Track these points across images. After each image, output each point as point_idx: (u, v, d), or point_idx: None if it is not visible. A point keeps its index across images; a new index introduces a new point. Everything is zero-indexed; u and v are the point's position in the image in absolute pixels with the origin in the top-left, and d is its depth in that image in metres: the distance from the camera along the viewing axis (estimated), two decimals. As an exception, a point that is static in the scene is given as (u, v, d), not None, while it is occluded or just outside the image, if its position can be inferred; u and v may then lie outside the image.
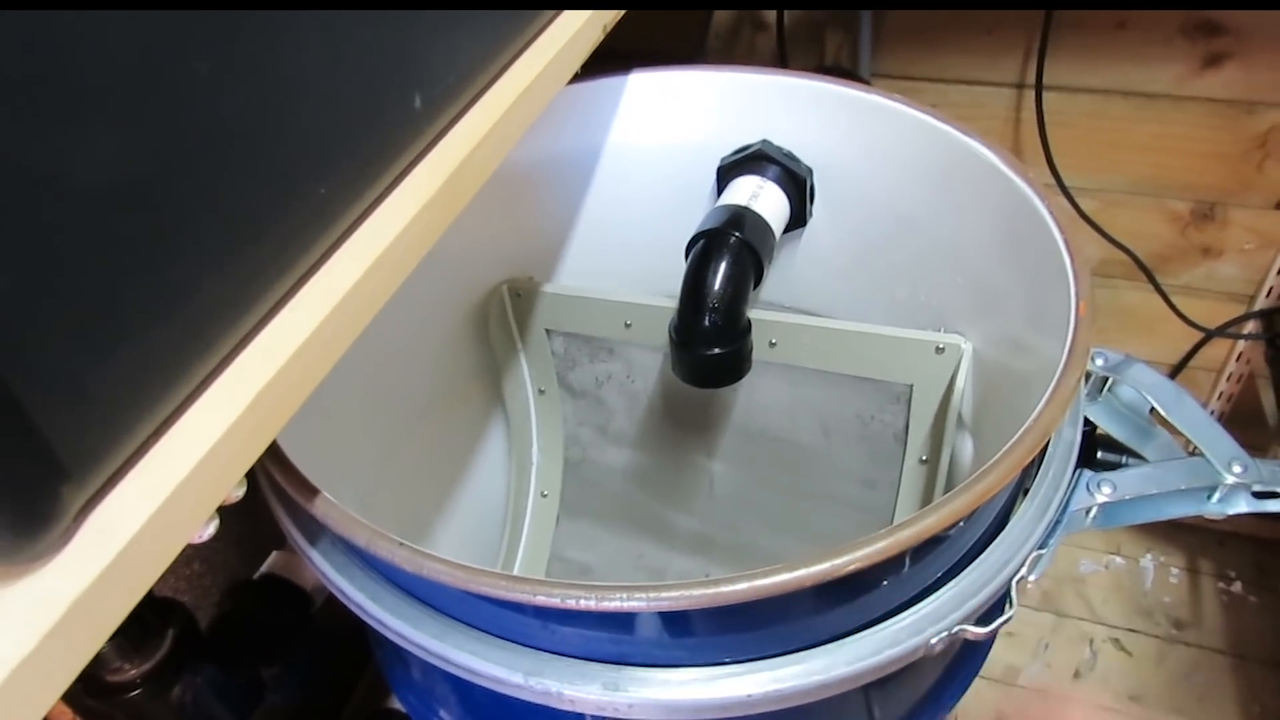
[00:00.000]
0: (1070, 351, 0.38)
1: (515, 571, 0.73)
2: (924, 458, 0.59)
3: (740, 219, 0.55)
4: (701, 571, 0.71)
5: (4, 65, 0.18)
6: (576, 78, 0.59)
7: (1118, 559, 0.98)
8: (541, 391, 0.70)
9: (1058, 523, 0.39)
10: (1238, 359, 0.88)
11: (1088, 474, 0.41)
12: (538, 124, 0.59)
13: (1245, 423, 0.90)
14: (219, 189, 0.24)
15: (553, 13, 0.43)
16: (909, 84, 0.81)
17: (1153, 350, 0.91)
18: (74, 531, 0.23)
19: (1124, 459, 0.45)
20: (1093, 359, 0.45)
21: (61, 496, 0.22)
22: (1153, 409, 0.45)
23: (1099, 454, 0.47)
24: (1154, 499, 0.41)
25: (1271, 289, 0.82)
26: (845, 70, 0.76)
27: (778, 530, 0.69)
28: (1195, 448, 0.42)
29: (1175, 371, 0.90)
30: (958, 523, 0.32)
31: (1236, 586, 0.94)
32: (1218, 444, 0.41)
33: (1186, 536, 0.98)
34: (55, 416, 0.21)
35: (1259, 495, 0.41)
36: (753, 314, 0.58)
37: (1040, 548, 0.38)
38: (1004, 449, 0.33)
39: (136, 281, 0.22)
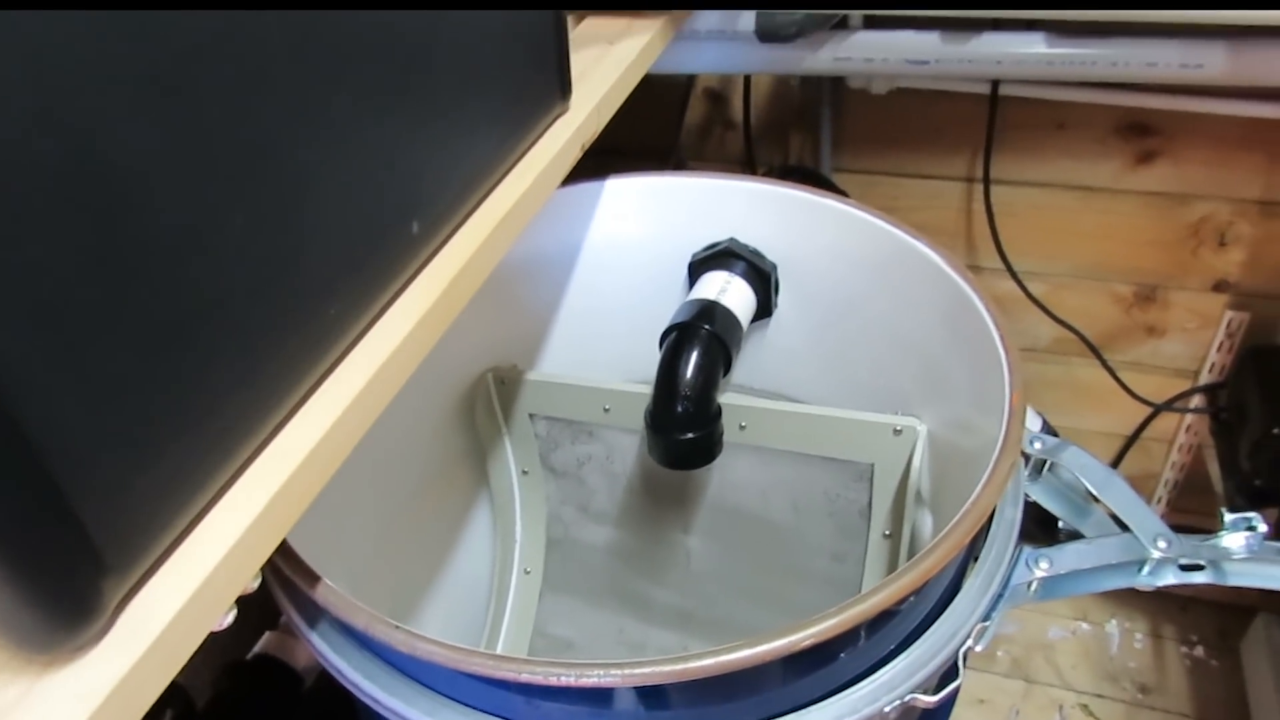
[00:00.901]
0: (1004, 441, 0.42)
1: (499, 647, 0.75)
2: (887, 532, 0.63)
3: (710, 312, 0.59)
4: (681, 645, 0.74)
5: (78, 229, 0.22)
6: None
7: (1084, 625, 1.01)
8: (525, 472, 0.73)
9: (1000, 596, 0.42)
10: (1186, 431, 0.92)
11: (1027, 550, 0.44)
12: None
13: (1196, 490, 0.95)
14: (246, 323, 0.28)
15: (536, 135, 0.48)
16: (869, 178, 0.86)
17: (1108, 423, 0.95)
18: (111, 624, 0.26)
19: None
20: (1031, 443, 0.49)
21: (103, 592, 0.26)
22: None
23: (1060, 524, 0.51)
24: (1089, 573, 0.45)
25: (1213, 365, 0.87)
26: (807, 169, 0.82)
27: (754, 603, 0.71)
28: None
29: (1129, 443, 0.95)
30: (900, 601, 0.36)
31: (1199, 651, 0.97)
32: (1144, 521, 0.44)
33: (1150, 602, 1.02)
34: (103, 519, 0.25)
35: (1184, 568, 0.45)
36: (723, 399, 0.62)
37: (984, 620, 0.41)
38: (940, 535, 0.37)
39: (175, 403, 0.26)
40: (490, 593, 0.76)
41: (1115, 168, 0.80)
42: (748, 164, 0.85)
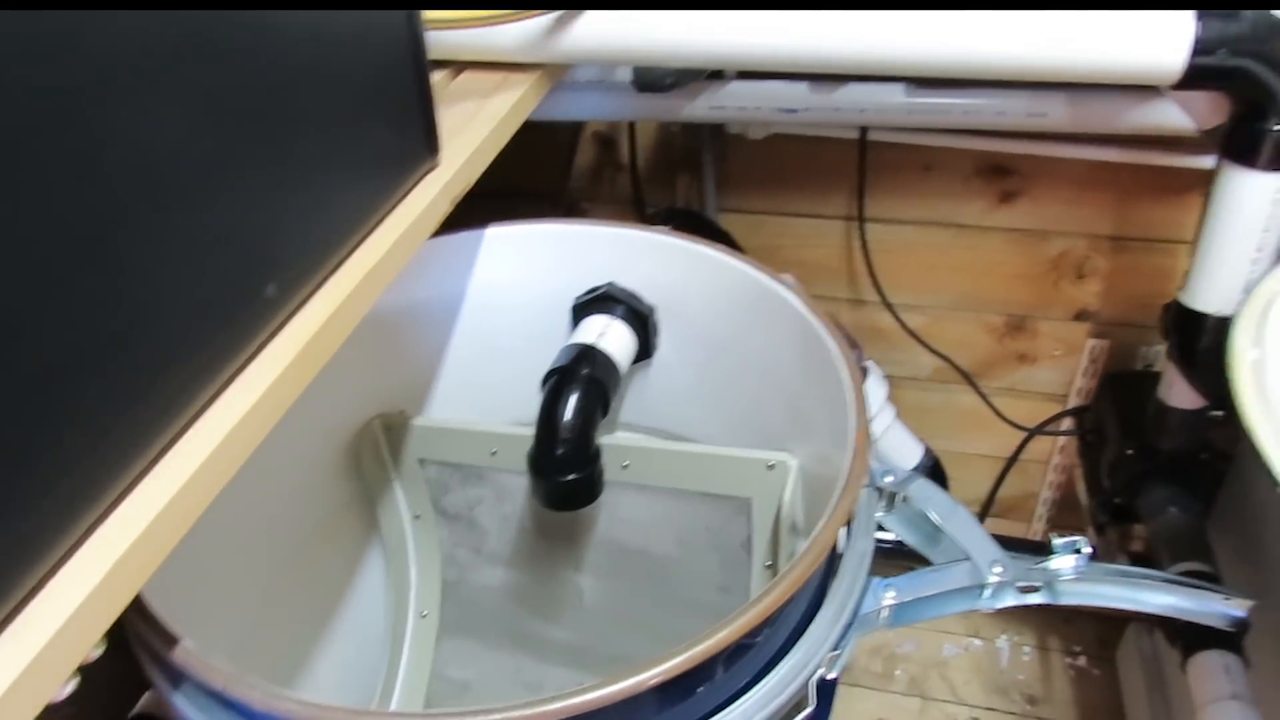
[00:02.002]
0: (845, 480, 0.44)
1: (397, 692, 0.75)
2: (768, 563, 0.65)
3: (588, 356, 0.61)
4: (577, 682, 0.74)
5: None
6: (442, 230, 0.66)
7: (976, 641, 1.05)
8: (417, 517, 0.73)
9: (850, 625, 0.45)
10: (1060, 452, 0.98)
11: (876, 580, 0.47)
12: (404, 275, 0.65)
13: (1074, 508, 1.00)
14: (84, 391, 0.29)
15: (403, 191, 0.49)
16: (755, 218, 0.90)
17: (989, 446, 1.00)
18: (-59, 699, 0.26)
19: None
20: (883, 477, 0.51)
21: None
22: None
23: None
24: (935, 598, 0.48)
25: (1080, 390, 0.93)
26: (690, 212, 0.85)
27: (647, 637, 0.73)
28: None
29: (1008, 465, 1.00)
30: (740, 640, 0.38)
31: (1082, 660, 1.02)
32: (982, 549, 0.47)
33: (1037, 616, 1.06)
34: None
35: (1023, 590, 0.48)
36: (606, 440, 0.63)
37: (835, 649, 0.44)
38: (781, 573, 0.39)
39: (8, 475, 0.26)
40: (387, 638, 0.76)
41: (980, 207, 0.85)
42: (637, 205, 0.88)
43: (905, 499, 0.52)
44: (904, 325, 0.87)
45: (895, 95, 0.71)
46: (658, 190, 0.90)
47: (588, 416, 0.60)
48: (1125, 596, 0.49)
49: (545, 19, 0.59)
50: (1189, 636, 0.64)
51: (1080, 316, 0.89)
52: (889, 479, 0.51)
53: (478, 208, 0.66)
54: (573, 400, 0.59)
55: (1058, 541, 0.48)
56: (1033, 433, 0.94)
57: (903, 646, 1.05)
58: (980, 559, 0.47)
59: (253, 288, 0.37)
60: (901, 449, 0.88)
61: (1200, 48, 0.52)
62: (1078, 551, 0.47)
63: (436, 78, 0.63)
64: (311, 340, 0.39)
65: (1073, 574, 0.47)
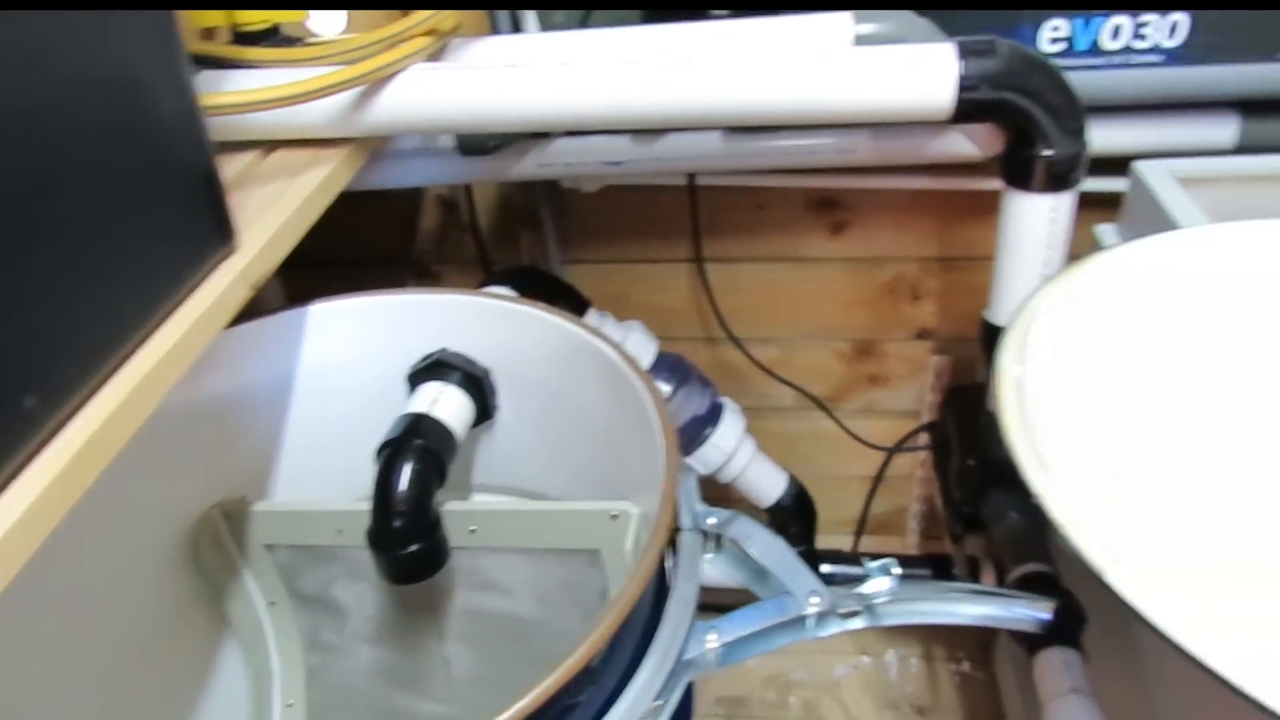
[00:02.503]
0: (654, 529, 0.45)
1: (267, 789, 0.72)
2: (626, 612, 0.65)
3: (420, 425, 0.61)
4: (453, 754, 0.73)
5: None
6: (281, 307, 0.65)
7: (865, 659, 1.07)
8: (272, 603, 0.71)
9: (674, 672, 0.45)
10: (921, 467, 1.01)
11: (699, 624, 0.48)
12: (234, 359, 0.64)
13: (940, 520, 1.03)
14: None
15: (194, 282, 0.48)
16: (602, 267, 0.91)
17: (856, 468, 1.03)
18: None
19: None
20: (705, 519, 0.53)
21: None
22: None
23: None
24: (761, 634, 0.48)
25: (930, 405, 0.96)
26: (529, 268, 0.86)
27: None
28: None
29: (875, 484, 1.03)
30: (548, 704, 0.38)
31: (965, 666, 1.05)
32: (799, 581, 0.49)
33: (921, 628, 1.09)
34: None
35: (844, 616, 0.50)
36: (450, 506, 0.63)
37: (659, 699, 0.44)
38: (581, 638, 0.39)
39: None
40: (253, 732, 0.73)
41: (814, 239, 0.88)
42: (484, 265, 0.88)
43: (731, 539, 0.53)
44: (753, 360, 0.89)
45: (713, 142, 0.73)
46: (504, 248, 0.90)
47: (423, 486, 0.59)
48: (939, 611, 0.50)
49: (347, 95, 0.59)
50: (1032, 636, 0.67)
51: (921, 335, 0.93)
52: (711, 520, 0.53)
53: (331, 278, 0.66)
54: (406, 471, 0.59)
55: (870, 565, 0.50)
56: (892, 451, 0.97)
57: (796, 673, 1.06)
58: (798, 591, 0.49)
59: (6, 401, 0.36)
60: (765, 481, 0.90)
61: (965, 84, 0.55)
62: (889, 573, 0.49)
63: (246, 159, 0.63)
64: (83, 450, 0.38)
65: (887, 596, 0.49)
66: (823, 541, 0.98)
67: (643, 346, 0.83)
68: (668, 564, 0.52)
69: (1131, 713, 0.62)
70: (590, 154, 0.74)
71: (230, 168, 0.61)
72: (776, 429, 0.99)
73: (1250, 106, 0.69)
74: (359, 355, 0.67)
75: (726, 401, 0.89)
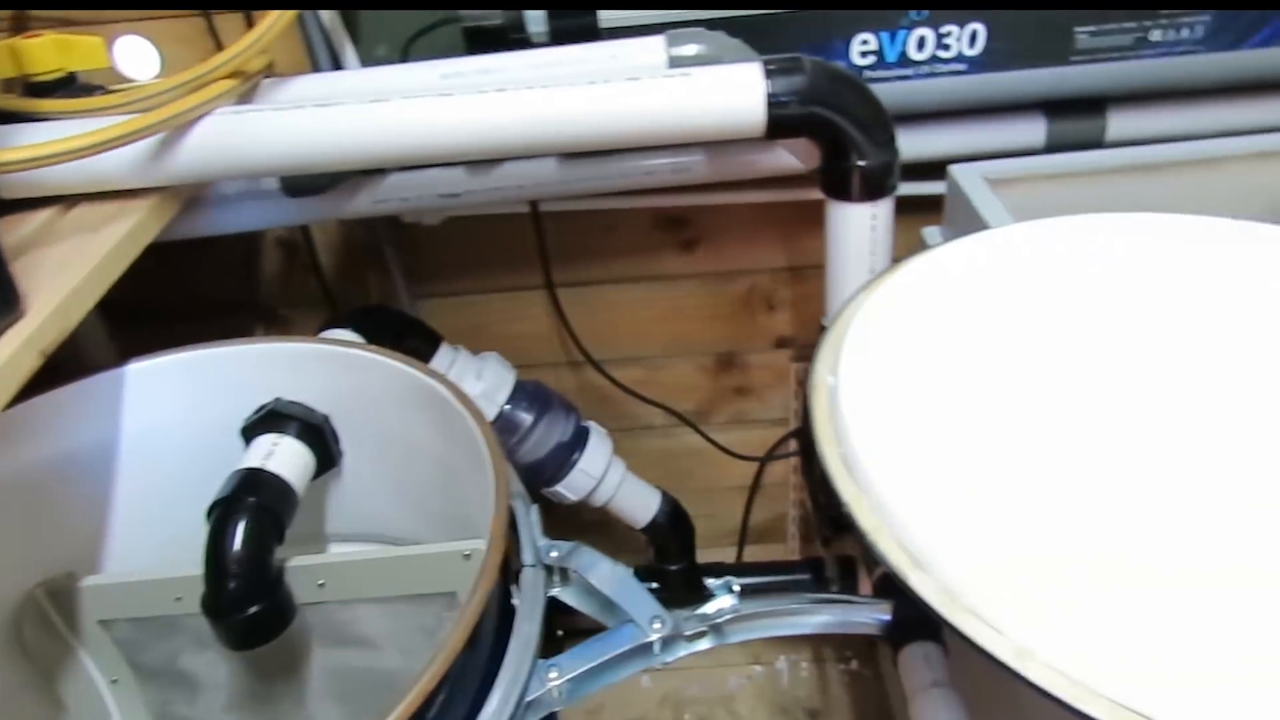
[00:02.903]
0: (482, 571, 0.44)
1: None
2: (490, 653, 0.64)
3: (253, 480, 0.58)
4: (325, 819, 0.70)
5: None
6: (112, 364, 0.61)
7: (757, 668, 1.07)
8: (115, 681, 0.67)
9: (517, 715, 0.44)
10: (795, 473, 1.03)
11: (541, 662, 0.47)
12: (45, 428, 0.60)
13: (816, 527, 1.05)
14: None
15: (-28, 353, 0.45)
16: (457, 299, 0.90)
17: (735, 478, 1.04)
18: None
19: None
20: (548, 553, 0.52)
21: None
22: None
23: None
24: (608, 664, 0.48)
25: (796, 412, 0.98)
26: (374, 307, 0.84)
27: (391, 754, 0.69)
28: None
29: (751, 494, 1.04)
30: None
31: (854, 665, 1.07)
32: (641, 608, 0.48)
33: (810, 630, 1.11)
34: None
35: (690, 638, 0.50)
36: (293, 562, 0.60)
37: (498, 745, 0.43)
38: (402, 689, 0.38)
39: None
40: (104, 823, 0.68)
41: (667, 257, 0.89)
42: (330, 306, 0.86)
43: (575, 571, 0.52)
44: (616, 382, 0.89)
45: (549, 169, 0.73)
46: (352, 286, 0.88)
47: (259, 544, 0.57)
48: (783, 624, 0.51)
49: (147, 143, 0.57)
50: (894, 633, 0.68)
51: (781, 344, 0.95)
52: (554, 554, 0.52)
53: (173, 331, 0.63)
54: (239, 530, 0.56)
55: (712, 584, 0.50)
56: (763, 461, 0.98)
57: (689, 689, 1.06)
58: (641, 618, 0.48)
59: None
60: (638, 501, 0.90)
61: (773, 101, 0.56)
62: (731, 591, 0.49)
63: (43, 216, 0.60)
64: None
65: (730, 614, 0.49)
66: (706, 555, 0.98)
67: (500, 377, 0.82)
68: (515, 601, 0.51)
69: (999, 695, 0.63)
70: (425, 188, 0.73)
71: (24, 227, 0.58)
72: (648, 448, 0.99)
73: (1054, 107, 0.73)
74: (189, 413, 0.64)
75: (592, 425, 0.88)
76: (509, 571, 0.52)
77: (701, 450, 1.00)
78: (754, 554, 1.11)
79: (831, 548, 0.85)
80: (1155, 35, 0.67)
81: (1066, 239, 0.56)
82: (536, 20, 0.63)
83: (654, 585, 0.96)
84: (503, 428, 0.83)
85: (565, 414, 0.85)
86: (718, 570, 0.98)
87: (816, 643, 1.10)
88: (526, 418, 0.83)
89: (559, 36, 0.63)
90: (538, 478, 0.85)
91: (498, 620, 0.49)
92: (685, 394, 0.97)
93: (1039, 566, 0.34)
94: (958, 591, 0.35)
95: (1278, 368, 0.43)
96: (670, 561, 0.96)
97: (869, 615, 0.53)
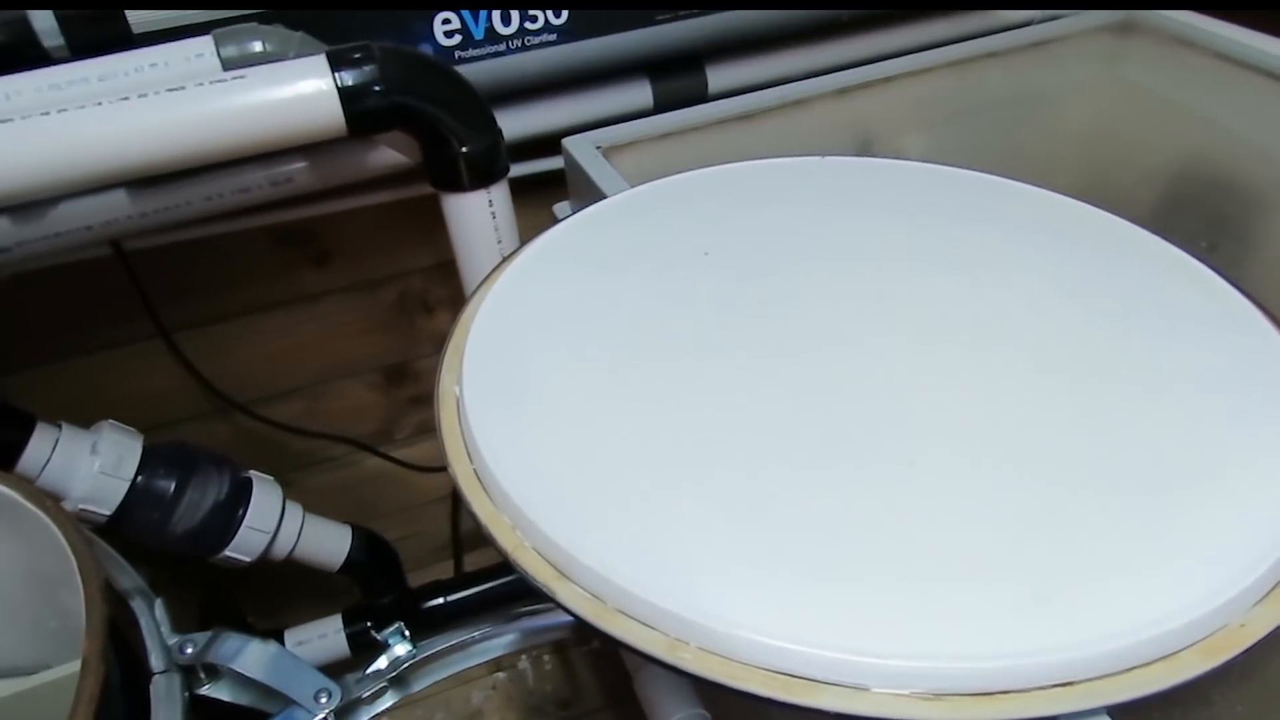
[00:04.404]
0: (78, 701, 0.36)
1: None
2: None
3: None
4: None
5: None
6: None
7: (500, 674, 1.04)
8: None
9: None
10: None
11: (187, 786, 0.40)
12: None
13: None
14: None
15: None
16: (50, 367, 0.76)
17: (430, 493, 0.99)
18: None
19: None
20: (183, 650, 0.44)
21: None
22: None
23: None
24: (272, 762, 0.42)
25: (480, 409, 0.94)
26: None
27: None
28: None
29: (455, 505, 0.99)
30: None
31: (595, 644, 1.07)
32: (301, 684, 0.43)
33: (545, 621, 1.09)
34: None
35: (371, 699, 0.45)
36: None
37: None
38: None
39: None
40: None
41: (299, 276, 0.81)
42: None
43: (220, 664, 0.45)
44: (272, 422, 0.80)
45: (118, 201, 0.62)
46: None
47: None
48: (469, 655, 0.48)
49: None
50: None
51: (449, 344, 0.90)
52: (190, 649, 0.44)
53: None
54: None
55: (382, 634, 0.45)
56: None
57: (434, 717, 1.01)
58: (303, 697, 0.42)
59: None
60: (326, 544, 0.82)
61: (346, 94, 0.51)
62: (403, 636, 0.45)
63: None
64: None
65: (408, 661, 0.45)
66: (422, 576, 0.93)
67: (123, 447, 0.70)
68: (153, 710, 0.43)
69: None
70: (-42, 249, 0.60)
71: None
72: (331, 483, 0.91)
73: (655, 69, 0.74)
74: None
75: (254, 475, 0.79)
76: (138, 685, 0.44)
77: (390, 471, 0.94)
78: (476, 560, 1.06)
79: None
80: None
81: (672, 197, 0.56)
82: (49, 30, 0.52)
83: (367, 625, 0.89)
84: (141, 502, 0.71)
85: (217, 469, 0.75)
86: (434, 590, 0.93)
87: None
88: (168, 485, 0.72)
89: (82, 48, 0.53)
90: (201, 547, 0.75)
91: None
92: (360, 417, 0.89)
93: (678, 550, 0.33)
94: (604, 595, 0.33)
95: (887, 291, 0.46)
96: (380, 595, 0.89)
97: (555, 619, 0.51)
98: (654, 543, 0.34)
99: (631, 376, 0.41)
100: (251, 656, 0.44)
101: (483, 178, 0.57)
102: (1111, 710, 0.30)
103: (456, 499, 0.99)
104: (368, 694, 0.44)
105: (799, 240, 0.50)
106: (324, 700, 0.42)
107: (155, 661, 0.44)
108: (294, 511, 0.79)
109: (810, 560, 0.33)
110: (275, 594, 0.90)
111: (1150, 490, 0.35)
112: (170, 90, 0.49)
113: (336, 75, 0.50)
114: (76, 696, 0.37)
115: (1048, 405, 0.39)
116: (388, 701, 0.45)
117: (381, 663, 0.44)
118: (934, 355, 0.42)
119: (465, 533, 1.03)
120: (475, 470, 0.39)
